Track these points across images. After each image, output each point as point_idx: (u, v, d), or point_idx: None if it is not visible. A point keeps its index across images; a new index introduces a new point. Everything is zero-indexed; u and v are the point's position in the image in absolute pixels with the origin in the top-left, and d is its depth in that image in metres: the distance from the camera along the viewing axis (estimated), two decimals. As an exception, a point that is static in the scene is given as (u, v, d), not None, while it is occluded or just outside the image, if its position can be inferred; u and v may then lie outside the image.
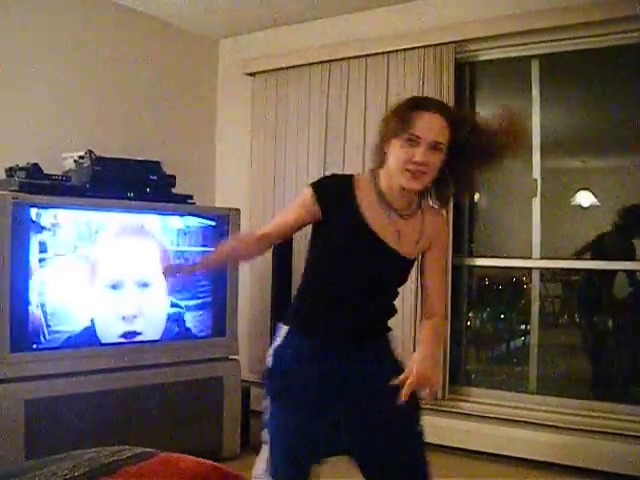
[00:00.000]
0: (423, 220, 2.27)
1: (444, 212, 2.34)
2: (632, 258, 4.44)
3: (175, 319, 4.16)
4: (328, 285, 2.26)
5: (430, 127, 2.12)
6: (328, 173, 2.46)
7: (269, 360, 2.29)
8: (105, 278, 3.87)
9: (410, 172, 2.13)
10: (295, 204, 2.28)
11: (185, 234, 4.18)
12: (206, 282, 4.28)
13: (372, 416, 2.22)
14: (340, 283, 2.23)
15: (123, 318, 3.93)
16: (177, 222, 4.15)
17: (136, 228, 4.02)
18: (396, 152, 2.16)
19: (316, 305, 2.28)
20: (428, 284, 2.31)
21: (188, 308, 4.20)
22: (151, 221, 4.08)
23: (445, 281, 2.41)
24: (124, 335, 3.92)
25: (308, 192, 2.24)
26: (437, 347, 2.29)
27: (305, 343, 2.24)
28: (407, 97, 2.29)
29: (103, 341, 3.84)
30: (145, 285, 4.03)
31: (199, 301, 4.25)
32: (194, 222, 4.22)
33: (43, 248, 3.59)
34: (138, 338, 3.98)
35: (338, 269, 2.23)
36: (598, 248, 4.58)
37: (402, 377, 2.05)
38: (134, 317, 3.97)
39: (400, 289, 2.35)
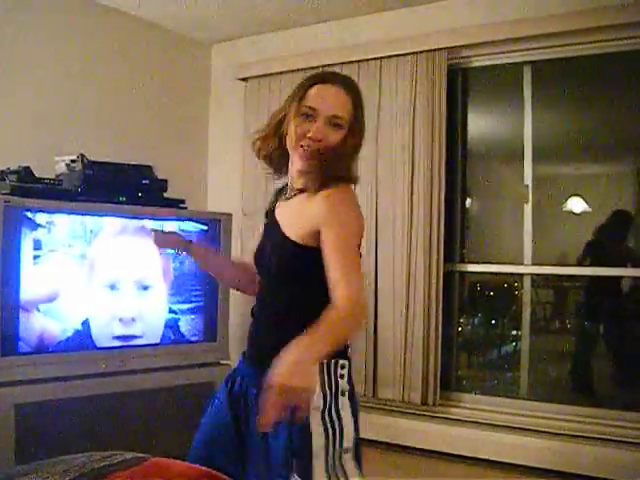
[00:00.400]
0: (305, 201, 1.95)
1: (329, 196, 1.89)
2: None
3: (170, 325, 4.15)
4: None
5: (330, 100, 1.92)
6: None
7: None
8: (102, 278, 3.86)
9: (303, 149, 1.91)
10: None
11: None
12: (198, 286, 4.27)
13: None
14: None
15: (120, 320, 3.92)
16: (171, 226, 4.15)
17: (136, 228, 4.02)
18: (290, 129, 1.94)
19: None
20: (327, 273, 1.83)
21: (181, 312, 4.19)
22: (152, 225, 4.08)
23: (343, 259, 1.80)
24: (121, 338, 3.91)
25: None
26: (313, 343, 1.66)
27: None
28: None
29: (96, 344, 3.83)
30: (145, 288, 4.02)
31: (191, 305, 4.25)
32: (188, 226, 4.21)
33: (37, 246, 3.58)
34: (135, 342, 3.97)
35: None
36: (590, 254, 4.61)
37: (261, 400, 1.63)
38: (133, 320, 3.96)
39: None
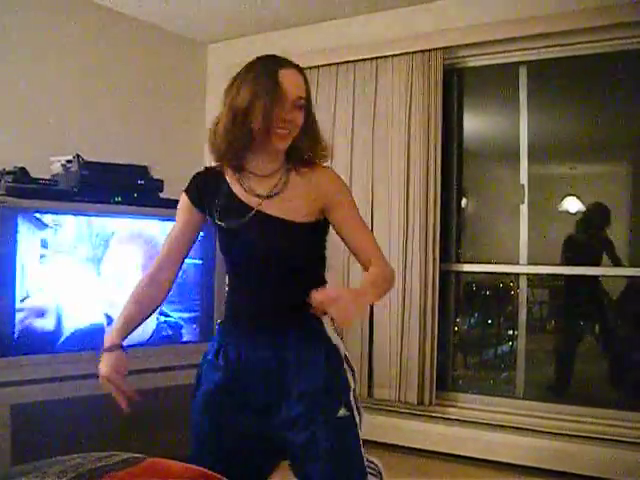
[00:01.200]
0: (308, 180, 2.11)
1: (332, 171, 2.17)
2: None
3: (166, 325, 4.14)
4: (234, 276, 2.22)
5: (295, 84, 2.05)
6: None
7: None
8: (98, 280, 3.85)
9: (281, 131, 2.03)
10: (177, 215, 2.29)
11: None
12: (194, 288, 4.27)
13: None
14: (240, 267, 2.18)
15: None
16: (167, 226, 4.14)
17: (134, 230, 4.02)
18: (263, 114, 2.01)
19: (232, 300, 2.24)
20: (352, 244, 2.12)
21: (177, 312, 4.19)
22: (142, 226, 4.08)
23: (369, 233, 2.18)
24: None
25: (183, 197, 2.25)
26: (372, 287, 2.00)
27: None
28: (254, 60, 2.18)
29: (91, 345, 3.82)
30: (125, 281, 4.01)
31: (187, 307, 4.24)
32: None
33: (36, 246, 3.58)
34: (131, 342, 3.95)
35: (234, 255, 2.18)
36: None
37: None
38: (110, 305, 3.95)
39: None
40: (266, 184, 2.11)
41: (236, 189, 2.14)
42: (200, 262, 4.27)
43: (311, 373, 2.07)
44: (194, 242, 2.31)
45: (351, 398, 2.11)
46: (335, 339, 2.13)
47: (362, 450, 2.13)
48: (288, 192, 2.10)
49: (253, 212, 2.09)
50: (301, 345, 2.08)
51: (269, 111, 2.00)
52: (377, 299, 2.03)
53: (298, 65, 2.11)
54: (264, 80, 2.03)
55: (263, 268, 2.10)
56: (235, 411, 2.13)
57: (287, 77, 2.03)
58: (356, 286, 2.03)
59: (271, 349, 2.08)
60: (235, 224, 2.10)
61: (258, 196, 2.10)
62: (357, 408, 2.12)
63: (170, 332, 4.18)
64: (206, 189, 2.21)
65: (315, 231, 2.13)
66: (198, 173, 2.30)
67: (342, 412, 2.06)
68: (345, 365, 2.14)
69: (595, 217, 4.61)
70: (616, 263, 4.49)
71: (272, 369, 2.08)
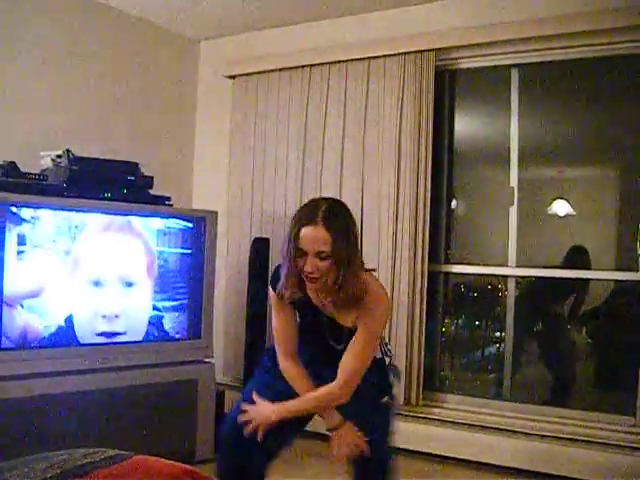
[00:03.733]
0: (360, 304, 2.60)
1: (378, 295, 2.64)
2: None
3: (154, 322, 4.14)
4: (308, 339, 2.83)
5: (313, 239, 2.48)
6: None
7: None
8: (86, 275, 3.85)
9: (307, 278, 2.55)
10: (274, 310, 2.79)
11: (164, 235, 4.17)
12: (183, 284, 4.27)
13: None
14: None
15: (103, 317, 3.91)
16: (157, 223, 4.14)
17: (122, 224, 4.01)
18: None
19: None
20: (346, 351, 2.65)
21: (165, 309, 4.19)
22: (137, 222, 4.07)
23: (362, 354, 2.65)
24: (104, 334, 3.90)
25: (273, 294, 2.74)
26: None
27: None
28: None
29: (79, 341, 3.82)
30: (129, 285, 4.02)
31: (176, 303, 4.24)
32: (173, 223, 4.20)
33: (22, 241, 3.57)
34: (118, 339, 3.95)
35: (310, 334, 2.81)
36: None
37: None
38: (116, 317, 3.95)
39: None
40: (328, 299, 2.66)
41: (311, 295, 2.70)
42: (188, 260, 4.27)
43: None
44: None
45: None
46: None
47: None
48: (342, 308, 2.65)
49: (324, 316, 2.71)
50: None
51: (292, 263, 2.54)
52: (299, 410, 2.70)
53: (325, 219, 2.49)
54: (290, 237, 2.53)
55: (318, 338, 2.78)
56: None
57: (306, 234, 2.48)
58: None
59: None
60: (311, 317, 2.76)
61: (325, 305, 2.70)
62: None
63: (158, 329, 4.17)
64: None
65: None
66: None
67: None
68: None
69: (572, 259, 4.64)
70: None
71: None
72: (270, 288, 2.75)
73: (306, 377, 2.73)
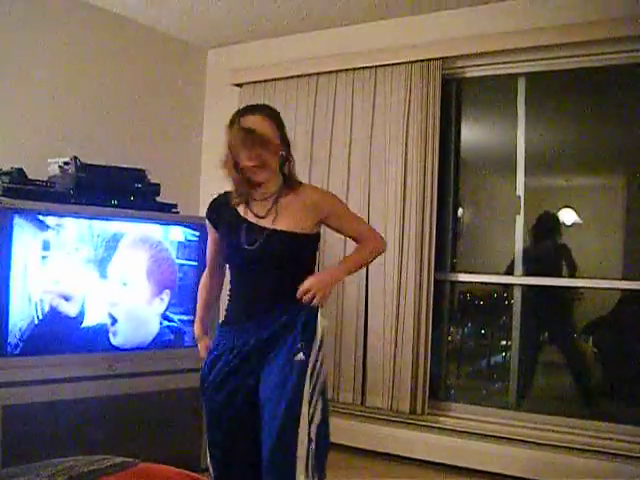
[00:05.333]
0: (299, 197, 2.64)
1: (320, 188, 2.90)
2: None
3: (161, 329, 4.14)
4: (235, 275, 2.74)
5: (253, 124, 2.55)
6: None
7: None
8: (95, 282, 3.85)
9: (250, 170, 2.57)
10: (208, 235, 2.85)
11: (174, 243, 4.19)
12: (190, 291, 4.27)
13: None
14: (238, 267, 2.71)
15: (111, 324, 3.92)
16: (167, 231, 4.16)
17: (138, 234, 4.05)
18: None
19: (232, 295, 2.76)
20: (351, 236, 2.81)
21: (171, 317, 4.19)
22: (151, 229, 4.09)
23: (360, 221, 2.93)
24: (111, 341, 3.91)
25: (206, 221, 2.80)
26: (349, 265, 2.79)
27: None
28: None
29: (86, 347, 3.82)
30: (136, 292, 4.04)
31: (183, 309, 4.24)
32: (180, 231, 4.21)
33: (32, 250, 3.58)
34: (126, 346, 3.95)
35: (233, 257, 2.70)
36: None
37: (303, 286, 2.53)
38: (123, 323, 3.97)
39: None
40: (263, 205, 2.64)
41: (241, 210, 2.67)
42: (196, 264, 4.27)
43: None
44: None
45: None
46: (320, 325, 2.60)
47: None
48: (281, 210, 2.63)
49: (248, 222, 2.63)
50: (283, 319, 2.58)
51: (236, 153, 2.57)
52: (349, 272, 2.77)
53: (265, 108, 2.70)
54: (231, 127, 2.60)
55: (259, 268, 2.61)
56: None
57: (245, 121, 2.57)
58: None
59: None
60: (236, 232, 2.65)
61: (257, 216, 2.63)
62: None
63: (170, 336, 4.18)
64: (217, 209, 2.77)
65: (303, 242, 2.64)
66: (214, 200, 2.81)
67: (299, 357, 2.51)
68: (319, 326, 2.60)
69: (543, 226, 4.66)
70: (572, 270, 4.57)
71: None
72: (207, 219, 2.80)
73: (210, 294, 2.94)
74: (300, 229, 2.59)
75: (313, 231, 2.66)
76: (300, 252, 2.63)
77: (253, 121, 2.56)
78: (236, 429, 2.61)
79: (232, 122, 2.60)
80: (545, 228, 4.68)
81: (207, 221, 2.78)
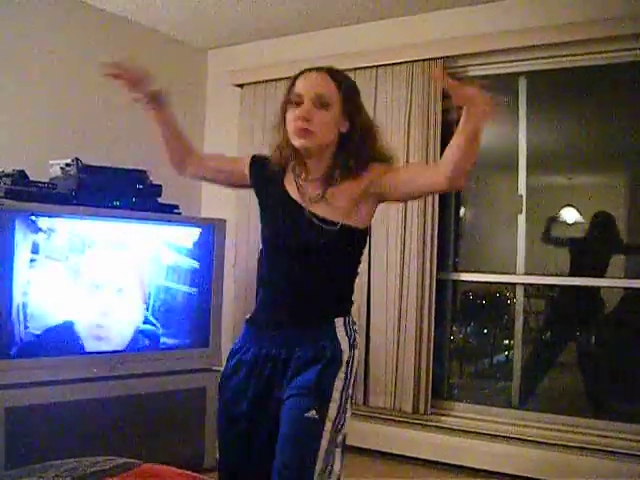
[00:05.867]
0: (357, 183, 2.22)
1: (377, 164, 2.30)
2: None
3: (164, 331, 4.15)
4: (266, 259, 2.34)
5: (311, 83, 2.16)
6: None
7: None
8: (94, 285, 3.86)
9: (297, 129, 2.16)
10: (235, 158, 2.59)
11: (174, 243, 4.19)
12: (191, 292, 4.27)
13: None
14: (271, 249, 2.32)
15: (103, 326, 3.92)
16: (165, 232, 4.15)
17: (132, 235, 4.05)
18: (287, 116, 2.22)
19: (263, 284, 2.36)
20: (418, 175, 2.33)
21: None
22: (137, 230, 4.08)
23: (423, 165, 2.60)
24: (109, 343, 3.91)
25: (246, 157, 2.46)
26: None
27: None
28: None
29: (87, 349, 3.82)
30: (121, 291, 4.03)
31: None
32: (181, 232, 4.21)
33: (33, 250, 3.59)
34: (127, 347, 3.96)
35: (268, 236, 2.32)
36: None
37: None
38: (125, 325, 3.98)
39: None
40: (313, 187, 2.24)
41: (289, 186, 2.28)
42: (197, 267, 4.27)
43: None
44: (224, 175, 2.59)
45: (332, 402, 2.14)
46: (344, 344, 2.21)
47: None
48: (331, 194, 2.21)
49: (299, 209, 2.22)
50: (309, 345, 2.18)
51: (283, 110, 2.20)
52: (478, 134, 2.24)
53: (330, 70, 2.22)
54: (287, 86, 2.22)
55: (294, 260, 2.22)
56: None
57: (305, 78, 2.18)
58: None
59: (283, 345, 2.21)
60: (280, 211, 2.28)
61: (305, 196, 2.24)
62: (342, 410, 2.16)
63: (166, 338, 4.17)
64: (263, 173, 2.37)
65: (351, 238, 2.23)
66: (265, 157, 2.43)
67: (311, 413, 2.09)
68: (343, 370, 2.18)
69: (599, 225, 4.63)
70: None
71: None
72: (249, 158, 2.48)
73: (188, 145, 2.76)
74: (353, 222, 2.21)
75: (366, 224, 2.29)
76: (344, 249, 2.24)
77: (314, 78, 2.19)
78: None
79: (290, 79, 2.24)
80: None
81: (248, 168, 2.43)
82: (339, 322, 2.22)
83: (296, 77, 2.21)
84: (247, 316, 2.43)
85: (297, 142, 2.18)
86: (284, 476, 2.04)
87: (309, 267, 2.21)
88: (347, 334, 2.22)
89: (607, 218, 4.57)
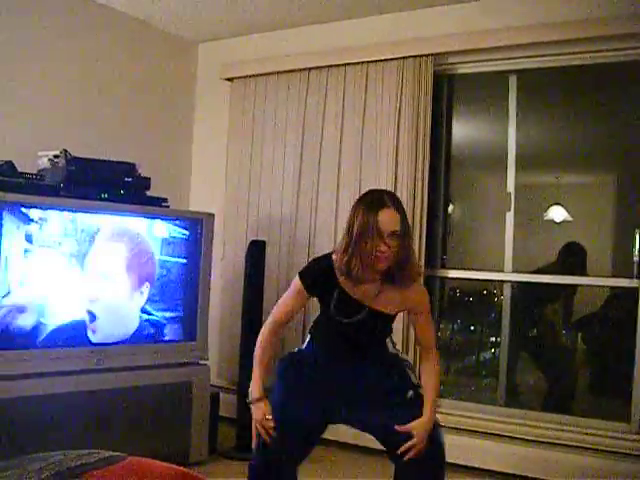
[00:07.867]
0: (402, 292, 2.82)
1: (422, 288, 3.01)
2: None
3: (150, 324, 4.13)
4: (332, 335, 2.93)
5: (389, 220, 2.66)
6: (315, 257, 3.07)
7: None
8: (82, 277, 3.84)
9: (382, 258, 2.69)
10: (291, 292, 2.89)
11: (162, 237, 4.17)
12: (179, 286, 4.26)
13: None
14: (339, 335, 2.89)
15: (94, 316, 3.90)
16: (155, 225, 4.14)
17: (123, 228, 4.03)
18: (367, 243, 2.67)
19: (325, 341, 2.96)
20: (420, 335, 3.00)
21: (161, 311, 4.18)
22: (133, 223, 4.08)
23: (432, 329, 3.05)
24: (99, 336, 3.90)
25: (298, 283, 2.85)
26: (435, 402, 2.90)
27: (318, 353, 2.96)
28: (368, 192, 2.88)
29: (74, 341, 3.81)
30: (125, 286, 4.03)
31: (172, 304, 4.23)
32: (170, 225, 4.20)
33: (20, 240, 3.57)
34: (114, 340, 3.94)
35: (337, 328, 2.87)
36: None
37: (408, 444, 2.73)
38: (109, 316, 3.96)
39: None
40: (369, 288, 2.79)
41: (348, 289, 2.80)
42: (184, 261, 4.26)
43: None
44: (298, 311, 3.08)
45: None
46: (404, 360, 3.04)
47: None
48: (383, 296, 2.82)
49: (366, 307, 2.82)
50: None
51: (367, 245, 2.66)
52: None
53: (393, 202, 2.72)
54: (369, 221, 2.66)
55: (353, 334, 2.87)
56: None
57: (384, 217, 2.65)
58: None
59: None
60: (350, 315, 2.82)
61: (365, 296, 2.81)
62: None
63: (152, 330, 4.16)
64: (320, 282, 2.85)
65: (392, 318, 2.94)
66: (310, 267, 2.94)
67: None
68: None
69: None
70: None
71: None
72: (298, 277, 2.86)
73: (272, 351, 2.92)
74: (394, 312, 2.90)
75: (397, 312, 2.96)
76: (388, 325, 2.94)
77: (392, 216, 2.68)
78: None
79: (368, 208, 2.68)
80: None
81: (300, 283, 2.85)
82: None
83: (374, 212, 2.66)
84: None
85: (377, 265, 2.69)
86: None
87: (363, 336, 2.88)
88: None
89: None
